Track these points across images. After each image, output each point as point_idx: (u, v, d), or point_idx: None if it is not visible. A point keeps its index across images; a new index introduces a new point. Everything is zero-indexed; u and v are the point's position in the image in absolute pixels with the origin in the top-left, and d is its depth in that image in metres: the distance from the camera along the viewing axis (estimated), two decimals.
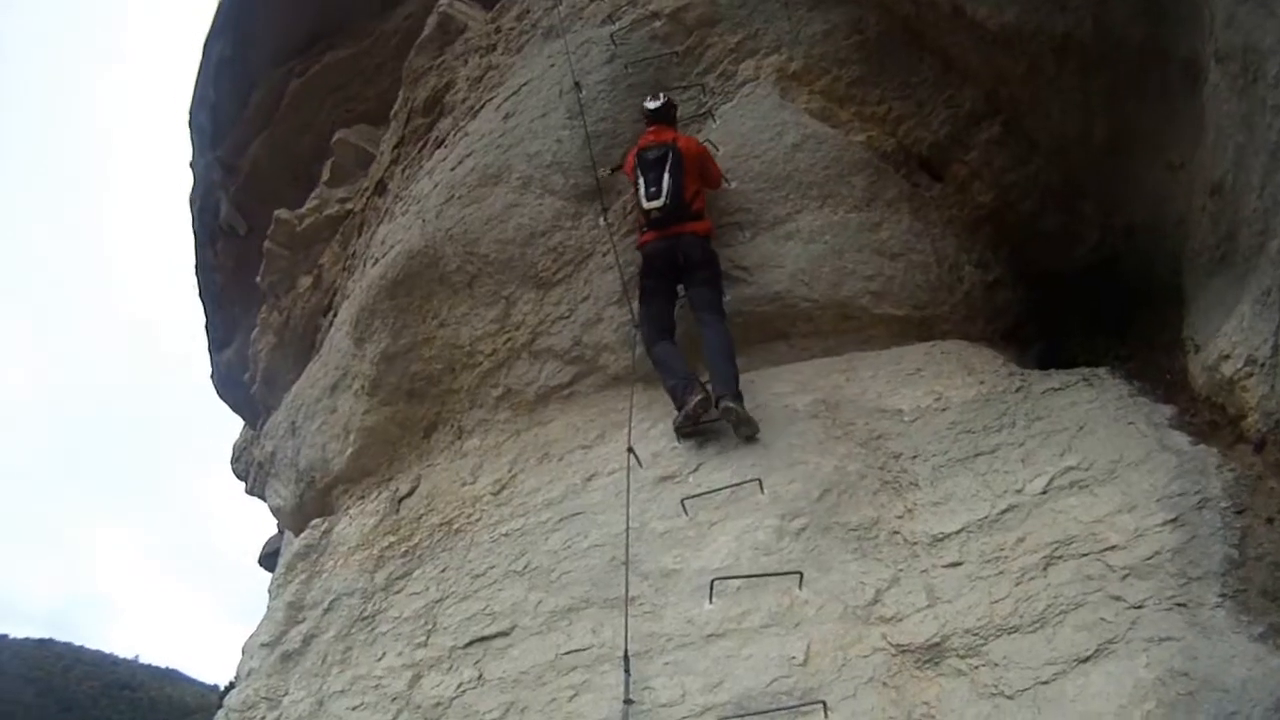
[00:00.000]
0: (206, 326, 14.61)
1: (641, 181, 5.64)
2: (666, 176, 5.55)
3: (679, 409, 5.19)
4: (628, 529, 4.58)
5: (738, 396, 5.02)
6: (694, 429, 5.15)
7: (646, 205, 5.59)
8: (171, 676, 77.06)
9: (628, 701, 3.81)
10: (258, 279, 11.16)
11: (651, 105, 6.07)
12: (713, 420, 5.10)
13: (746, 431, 5.00)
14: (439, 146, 7.84)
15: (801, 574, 3.99)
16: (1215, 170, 3.91)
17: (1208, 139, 3.98)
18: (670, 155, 5.60)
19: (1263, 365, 3.49)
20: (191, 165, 13.75)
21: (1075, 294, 5.83)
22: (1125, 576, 3.40)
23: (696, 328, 5.49)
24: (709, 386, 5.18)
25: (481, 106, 7.48)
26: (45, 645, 73.40)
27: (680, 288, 5.65)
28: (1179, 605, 3.21)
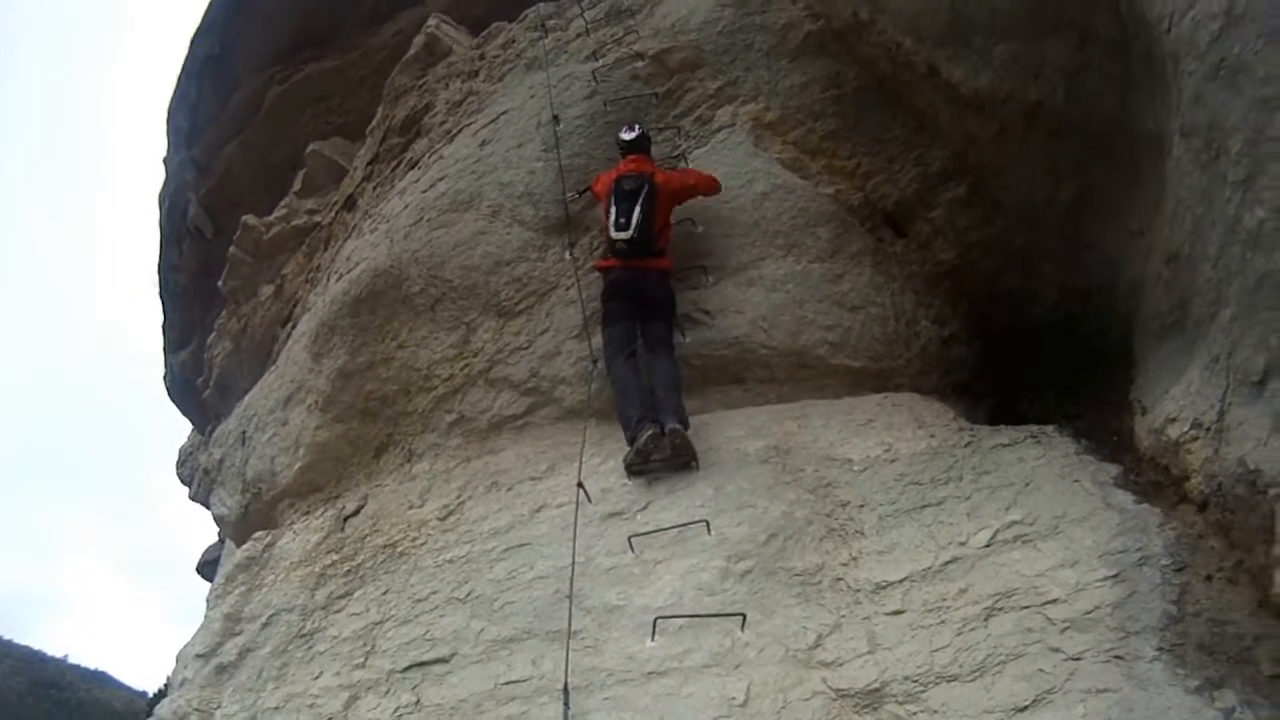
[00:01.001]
0: (163, 326, 14.42)
1: (613, 210, 5.66)
2: (638, 210, 5.59)
3: (630, 443, 5.23)
4: (573, 563, 4.57)
5: (684, 423, 5.13)
6: (644, 466, 5.17)
7: (614, 235, 5.63)
8: (100, 679, 75.32)
9: None
10: (220, 283, 11.06)
11: (627, 136, 6.09)
12: (664, 457, 5.13)
13: (684, 458, 5.05)
14: (413, 167, 7.85)
15: (745, 616, 3.99)
16: (1173, 240, 4.00)
17: (1167, 209, 4.08)
18: (646, 189, 5.66)
19: (1208, 430, 3.57)
20: (165, 162, 13.64)
21: (1028, 352, 5.94)
22: (1065, 629, 3.46)
23: (648, 360, 5.55)
24: (659, 419, 5.22)
25: (459, 131, 7.51)
26: None
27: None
28: (1117, 658, 3.27)
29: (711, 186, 6.00)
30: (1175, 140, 3.86)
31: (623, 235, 5.59)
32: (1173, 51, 3.71)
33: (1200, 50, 3.44)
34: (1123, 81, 4.52)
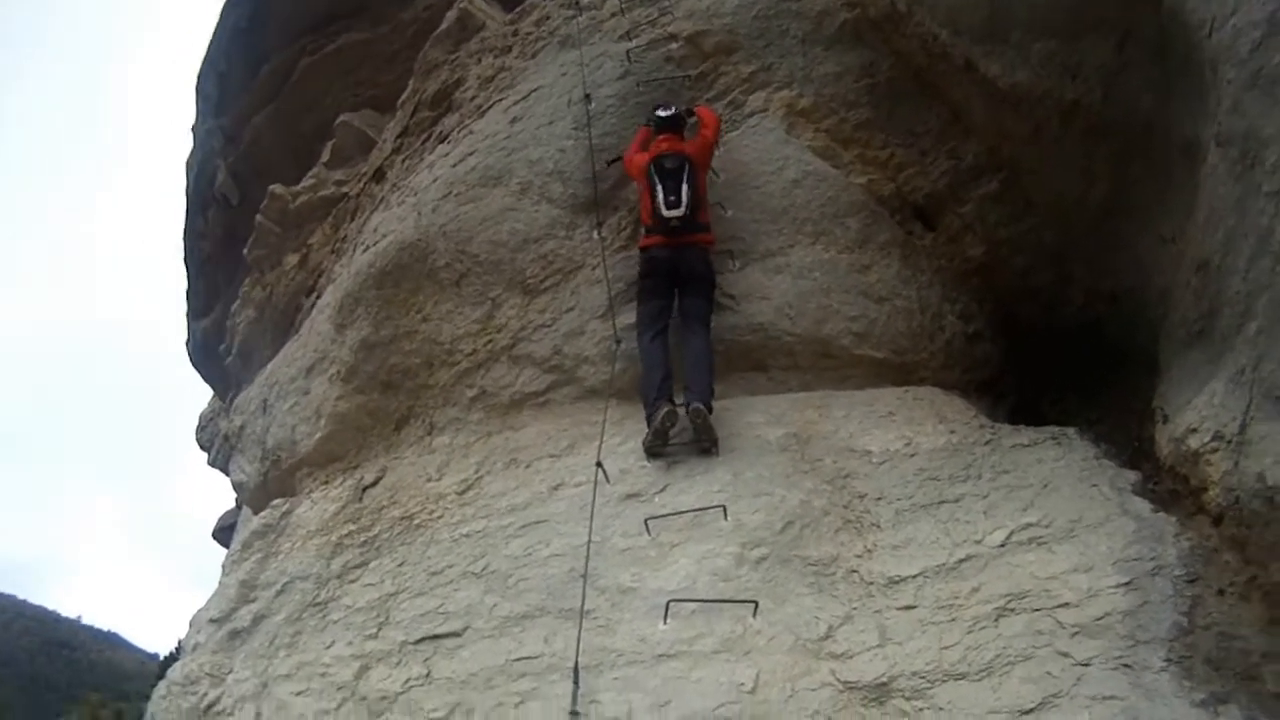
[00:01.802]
0: (187, 293, 14.51)
1: (659, 189, 5.70)
2: (685, 186, 5.65)
3: (648, 423, 5.28)
4: (589, 542, 4.60)
5: (708, 406, 5.14)
6: (662, 449, 5.22)
7: (666, 214, 5.65)
8: (112, 640, 76.46)
9: (574, 713, 3.85)
10: (245, 251, 11.12)
11: (664, 114, 6.12)
12: (685, 441, 5.17)
13: (706, 442, 5.10)
14: (442, 141, 7.85)
15: (757, 603, 4.02)
16: (1204, 248, 3.95)
17: (1200, 217, 4.03)
18: (687, 166, 5.72)
19: (1229, 442, 3.54)
20: (193, 130, 13.69)
21: (1053, 352, 5.91)
22: (1075, 634, 3.46)
23: (682, 335, 5.58)
24: (681, 399, 5.25)
25: (490, 107, 7.50)
26: None
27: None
28: (1125, 666, 3.27)
29: (716, 122, 6.14)
30: (1211, 148, 3.81)
31: (676, 213, 5.63)
32: (1212, 58, 3.66)
33: (1240, 58, 3.40)
34: (1161, 85, 4.46)
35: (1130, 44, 4.53)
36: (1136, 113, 4.68)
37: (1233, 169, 3.56)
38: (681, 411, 5.20)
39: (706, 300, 5.65)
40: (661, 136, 6.03)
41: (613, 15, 7.40)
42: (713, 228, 5.88)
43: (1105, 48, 4.64)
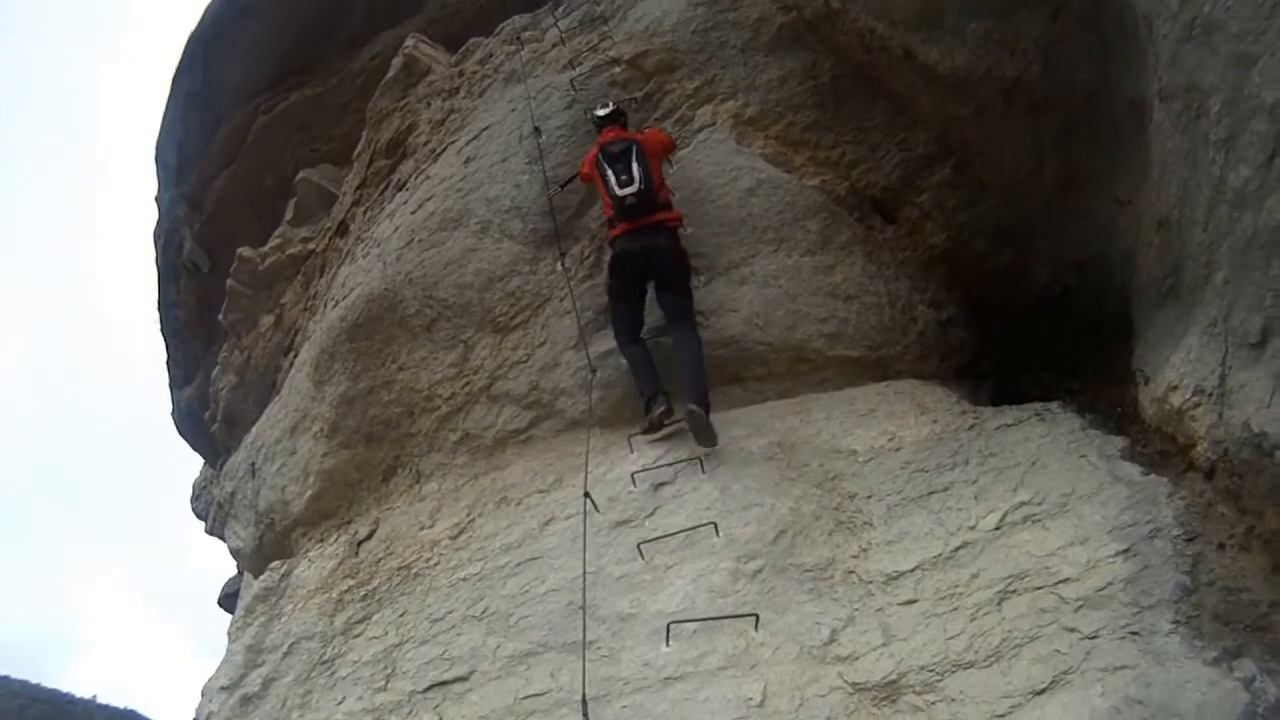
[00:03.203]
0: (168, 363, 14.46)
1: (610, 173, 5.67)
2: (635, 165, 5.63)
3: (645, 414, 5.40)
4: (584, 573, 4.56)
5: (705, 406, 5.15)
6: (657, 433, 5.37)
7: (620, 193, 5.60)
8: (128, 717, 75.51)
9: None
10: (220, 317, 11.09)
11: (602, 112, 6.23)
12: (675, 421, 5.31)
13: (706, 441, 5.10)
14: (400, 189, 7.86)
15: (758, 615, 3.99)
16: (1161, 205, 3.98)
17: (1154, 175, 4.06)
18: (634, 147, 5.72)
19: (1210, 395, 3.54)
20: (157, 200, 13.68)
21: (1028, 330, 5.92)
22: (1079, 608, 3.43)
23: (671, 337, 5.59)
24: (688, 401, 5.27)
25: (443, 150, 7.52)
26: (1, 682, 71.82)
27: (650, 287, 5.78)
28: (1132, 634, 3.24)
29: (668, 139, 6.22)
30: (1155, 105, 3.84)
31: (630, 190, 5.59)
32: (1145, 14, 3.69)
33: (1172, 10, 3.42)
34: (1099, 51, 4.50)
35: (1064, 14, 4.58)
36: (1077, 82, 4.71)
37: (1178, 122, 3.57)
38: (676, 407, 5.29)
39: (685, 294, 5.63)
40: (606, 130, 6.08)
41: (554, 46, 7.44)
42: (676, 206, 5.88)
43: (1039, 20, 4.69)
